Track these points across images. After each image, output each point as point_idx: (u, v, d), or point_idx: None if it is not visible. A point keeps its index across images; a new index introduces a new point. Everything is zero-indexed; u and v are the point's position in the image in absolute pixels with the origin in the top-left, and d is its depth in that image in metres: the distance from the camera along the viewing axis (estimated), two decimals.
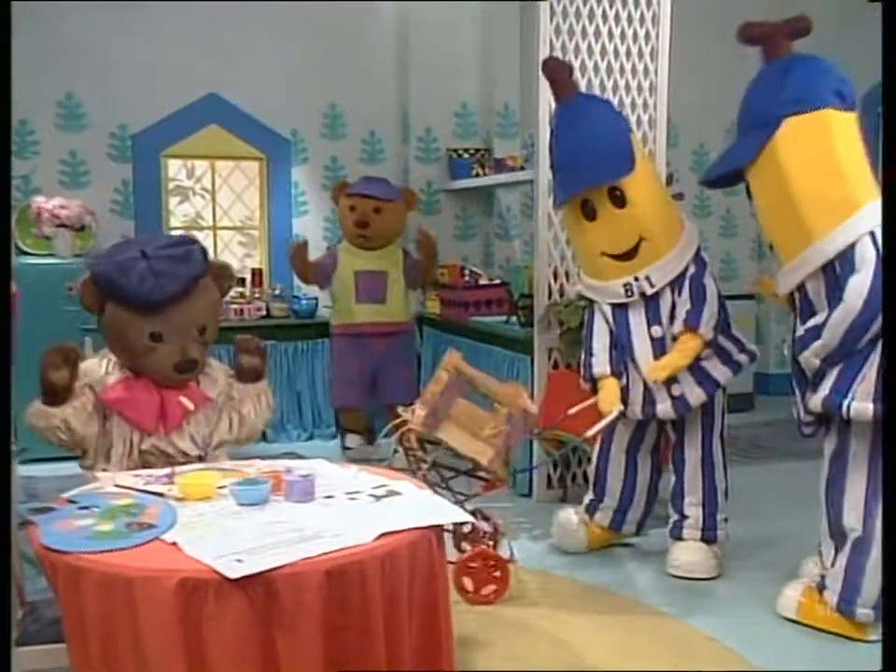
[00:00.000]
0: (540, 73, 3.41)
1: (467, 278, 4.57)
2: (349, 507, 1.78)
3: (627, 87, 3.49)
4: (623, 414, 2.91)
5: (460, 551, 2.91)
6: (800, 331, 2.45)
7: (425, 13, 5.00)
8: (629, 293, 2.82)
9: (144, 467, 2.18)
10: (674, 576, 2.91)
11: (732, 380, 2.92)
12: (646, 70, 3.49)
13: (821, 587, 2.53)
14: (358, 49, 5.09)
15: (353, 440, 4.33)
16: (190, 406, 2.29)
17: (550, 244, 3.58)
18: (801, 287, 2.47)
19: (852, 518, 2.44)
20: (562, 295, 3.62)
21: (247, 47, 4.88)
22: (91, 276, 2.26)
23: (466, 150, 5.10)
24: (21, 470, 3.55)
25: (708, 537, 2.94)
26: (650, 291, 2.81)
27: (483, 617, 2.63)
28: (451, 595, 1.83)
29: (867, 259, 2.32)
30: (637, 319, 2.85)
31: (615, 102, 3.43)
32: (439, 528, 1.74)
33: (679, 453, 2.98)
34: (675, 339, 2.80)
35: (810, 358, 2.42)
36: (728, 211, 5.80)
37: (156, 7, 4.70)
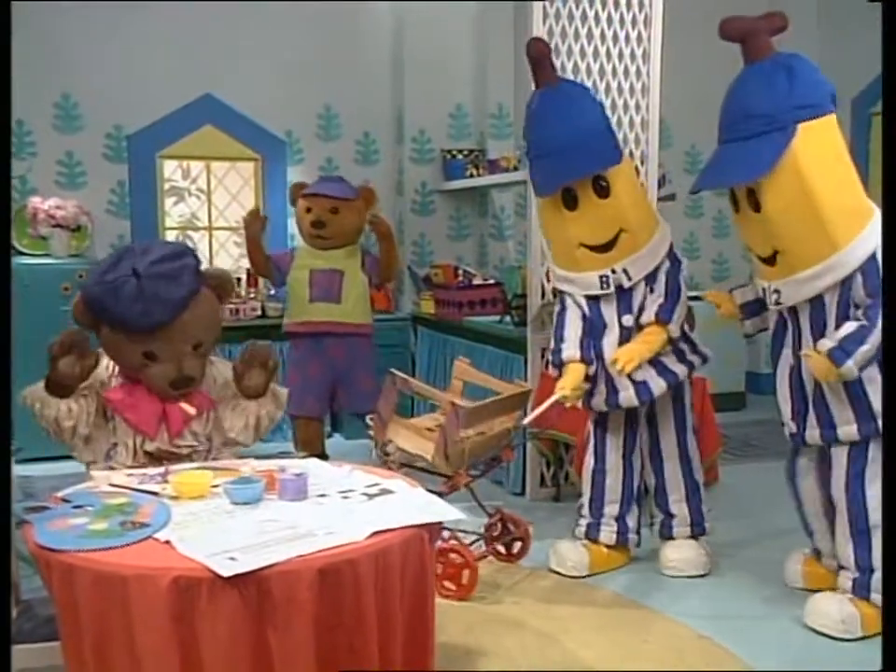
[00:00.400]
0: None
1: (461, 278, 4.58)
2: (342, 505, 1.79)
3: (620, 88, 3.50)
4: (591, 408, 2.88)
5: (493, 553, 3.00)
6: (828, 343, 2.36)
7: (419, 15, 5.01)
8: (605, 285, 2.76)
9: (150, 465, 2.18)
10: (669, 575, 2.91)
11: (686, 377, 2.88)
12: (638, 72, 3.51)
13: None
14: (353, 50, 5.10)
15: None
16: (192, 412, 2.29)
17: (543, 244, 3.57)
18: (815, 298, 2.43)
19: (877, 515, 2.44)
20: (555, 295, 3.63)
21: (243, 48, 4.89)
22: (83, 298, 2.25)
23: (460, 151, 5.10)
24: (17, 470, 3.56)
25: (698, 531, 2.96)
26: (627, 284, 2.76)
27: (475, 614, 2.65)
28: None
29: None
30: (609, 311, 2.81)
31: (608, 103, 3.44)
32: (430, 526, 1.74)
33: (655, 451, 2.95)
34: (640, 329, 2.76)
35: (853, 368, 2.34)
36: (720, 212, 5.81)
37: (151, 9, 4.71)
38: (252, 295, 4.88)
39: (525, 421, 2.81)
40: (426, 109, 5.11)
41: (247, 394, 2.35)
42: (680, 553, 2.92)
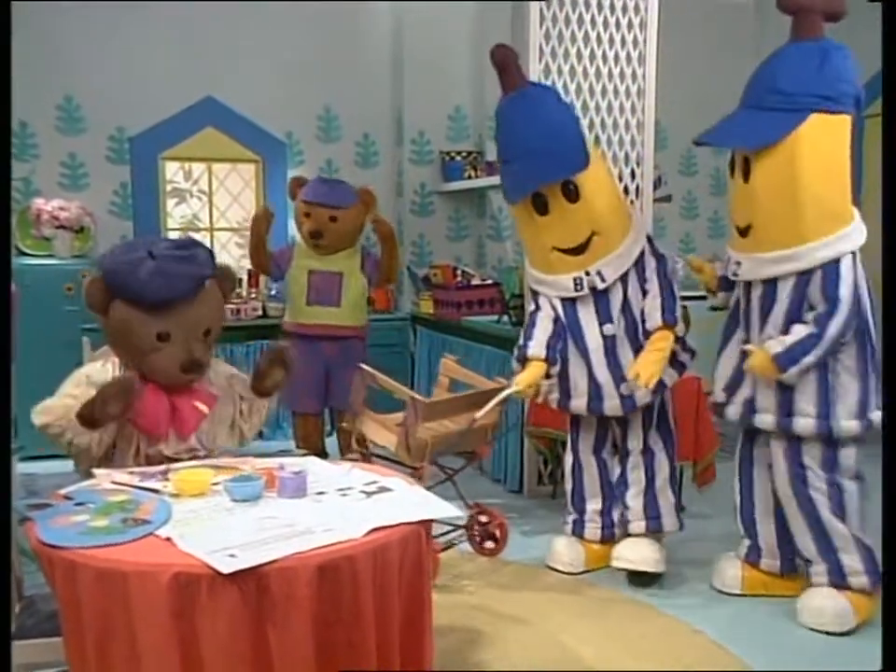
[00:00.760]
0: (530, 76, 3.45)
1: (459, 278, 4.59)
2: (341, 503, 1.78)
3: (616, 90, 3.52)
4: (563, 406, 2.89)
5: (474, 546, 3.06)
6: (776, 346, 2.41)
7: (419, 19, 5.05)
8: (579, 287, 2.77)
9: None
10: (617, 568, 2.90)
11: (677, 379, 2.88)
12: (634, 74, 3.52)
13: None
14: (353, 53, 5.14)
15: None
16: (206, 410, 2.28)
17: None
18: (773, 280, 2.47)
19: (824, 504, 2.54)
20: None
21: (243, 51, 4.92)
22: (100, 274, 2.22)
23: (458, 153, 5.13)
24: (20, 468, 3.59)
25: (653, 527, 2.92)
26: (601, 286, 2.76)
27: (472, 610, 2.67)
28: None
29: (849, 279, 2.37)
30: (586, 314, 2.81)
31: (604, 105, 3.48)
32: (427, 523, 1.76)
33: (623, 446, 2.96)
34: (647, 336, 2.75)
35: (794, 376, 2.41)
36: (715, 212, 5.82)
37: (153, 13, 4.74)
38: (253, 295, 4.91)
39: (478, 415, 2.83)
40: (425, 111, 5.15)
41: (265, 392, 2.36)
42: (630, 550, 2.89)
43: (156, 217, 4.95)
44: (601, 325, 2.80)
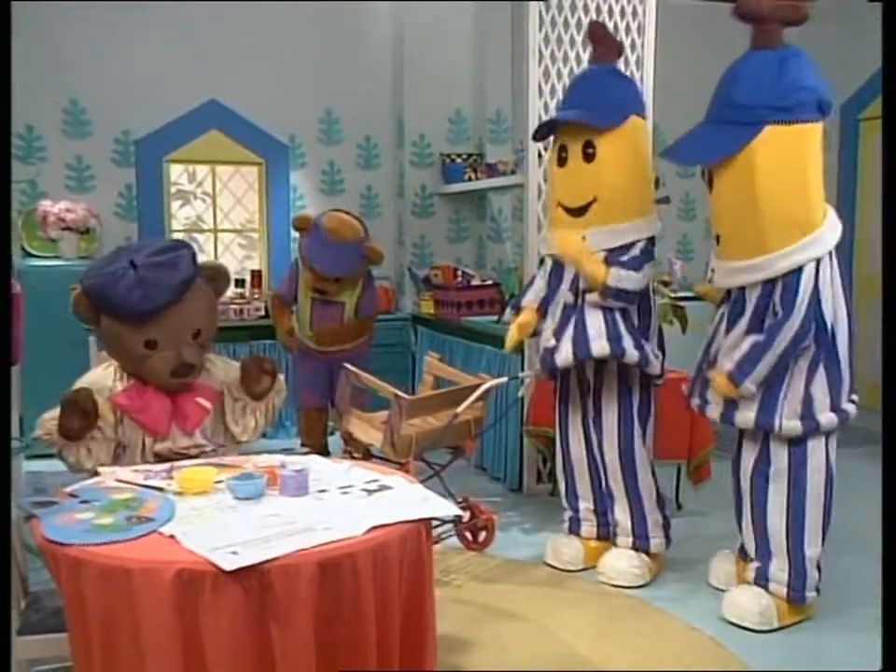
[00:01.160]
0: (530, 80, 3.49)
1: (460, 279, 4.61)
2: (342, 501, 1.79)
3: None
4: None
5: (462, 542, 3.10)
6: (728, 364, 2.45)
7: (420, 23, 5.08)
8: None
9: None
10: (601, 581, 2.90)
11: (606, 355, 2.72)
12: (631, 77, 3.55)
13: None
14: (355, 57, 5.17)
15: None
16: (208, 406, 2.30)
17: (540, 245, 3.64)
18: (740, 288, 2.52)
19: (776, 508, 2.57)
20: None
21: (247, 55, 4.95)
22: (82, 290, 2.25)
23: (459, 155, 5.16)
24: (26, 465, 3.62)
25: (641, 545, 2.92)
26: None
27: (471, 606, 2.69)
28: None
29: (808, 288, 2.39)
30: (567, 278, 2.85)
31: None
32: (427, 521, 1.77)
33: (598, 441, 2.93)
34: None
35: (751, 388, 2.44)
36: None
37: (158, 19, 4.79)
38: (256, 296, 4.94)
39: (459, 409, 2.88)
40: (425, 114, 5.17)
41: (257, 398, 2.39)
42: (616, 563, 2.90)
43: (161, 219, 4.98)
44: (577, 295, 2.81)
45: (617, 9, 3.51)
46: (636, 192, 2.81)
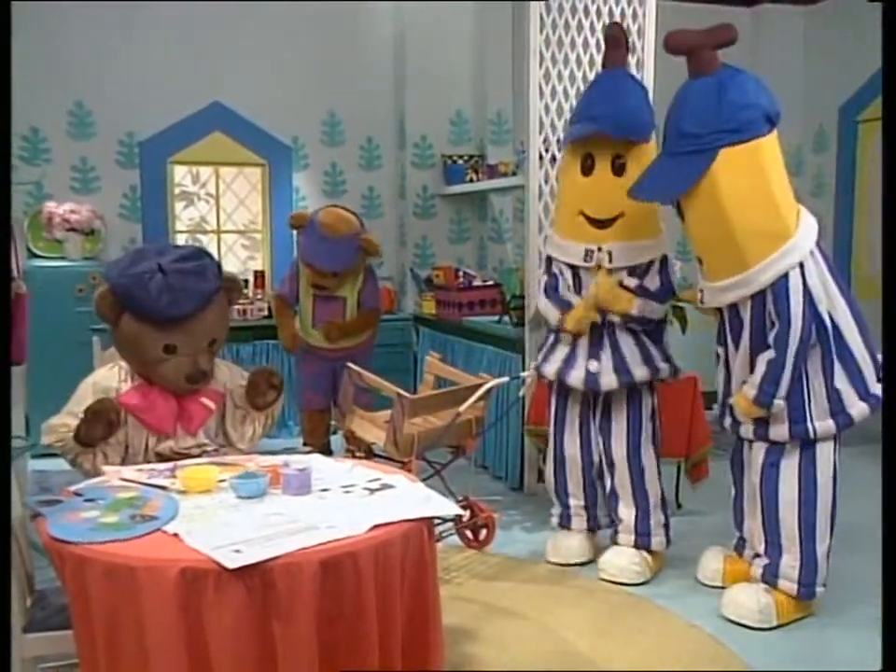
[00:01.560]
0: (531, 82, 3.51)
1: (461, 280, 4.63)
2: (344, 500, 1.80)
3: None
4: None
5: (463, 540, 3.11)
6: (752, 391, 2.48)
7: (420, 24, 5.10)
8: (588, 259, 2.83)
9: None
10: (603, 579, 2.93)
11: (647, 379, 2.88)
12: None
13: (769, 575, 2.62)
14: (357, 59, 5.20)
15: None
16: (212, 406, 2.32)
17: (540, 246, 3.64)
18: (732, 305, 2.55)
19: (789, 505, 2.58)
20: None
21: (250, 57, 4.98)
22: (110, 288, 2.25)
23: (460, 156, 5.18)
24: (32, 464, 3.65)
25: (642, 543, 2.95)
26: (607, 265, 2.82)
27: (472, 604, 2.70)
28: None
29: (798, 291, 2.41)
30: (582, 288, 2.89)
31: None
32: (430, 519, 1.78)
33: (607, 447, 2.97)
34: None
35: (780, 404, 2.47)
36: None
37: (163, 22, 4.81)
38: (259, 296, 4.97)
39: (461, 409, 2.90)
40: (427, 116, 5.20)
41: (259, 409, 2.40)
42: (618, 560, 2.93)
43: (164, 220, 5.01)
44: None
45: (617, 11, 3.53)
46: (654, 214, 2.88)
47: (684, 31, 2.43)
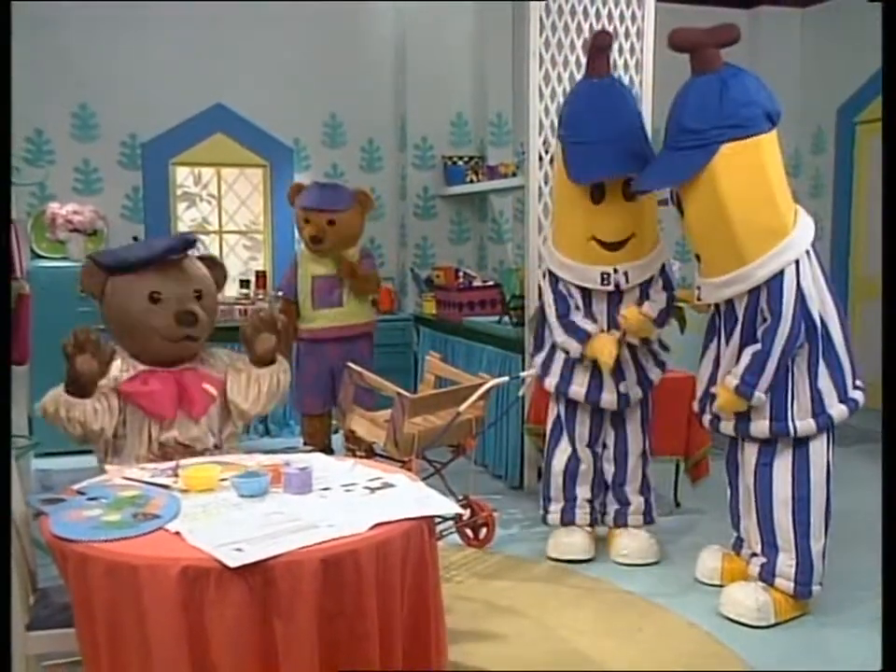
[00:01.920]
0: (531, 83, 3.52)
1: (461, 280, 4.65)
2: (345, 498, 1.81)
3: None
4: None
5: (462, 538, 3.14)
6: (733, 380, 2.51)
7: (420, 25, 5.12)
8: (605, 282, 2.85)
9: (163, 460, 2.19)
10: (620, 563, 3.03)
11: (660, 379, 3.07)
12: (631, 81, 3.58)
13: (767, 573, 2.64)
14: (358, 62, 5.22)
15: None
16: (214, 392, 2.34)
17: (540, 247, 3.66)
18: (728, 301, 2.56)
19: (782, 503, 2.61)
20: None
21: (252, 60, 5.00)
22: (92, 260, 2.41)
23: (460, 158, 5.19)
24: (35, 463, 3.67)
25: (648, 520, 3.13)
26: (624, 286, 2.86)
27: (472, 602, 2.72)
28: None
29: (792, 289, 2.43)
30: (598, 311, 2.93)
31: None
32: (430, 518, 1.79)
33: (621, 447, 3.08)
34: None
35: (760, 396, 2.49)
36: None
37: (165, 24, 4.84)
38: (260, 296, 4.99)
39: (461, 409, 2.93)
40: (427, 118, 5.22)
41: (260, 361, 2.40)
42: (634, 542, 3.06)
43: (167, 221, 5.03)
44: (609, 326, 2.93)
45: (616, 14, 3.55)
46: (655, 222, 2.95)
47: (688, 29, 2.44)
